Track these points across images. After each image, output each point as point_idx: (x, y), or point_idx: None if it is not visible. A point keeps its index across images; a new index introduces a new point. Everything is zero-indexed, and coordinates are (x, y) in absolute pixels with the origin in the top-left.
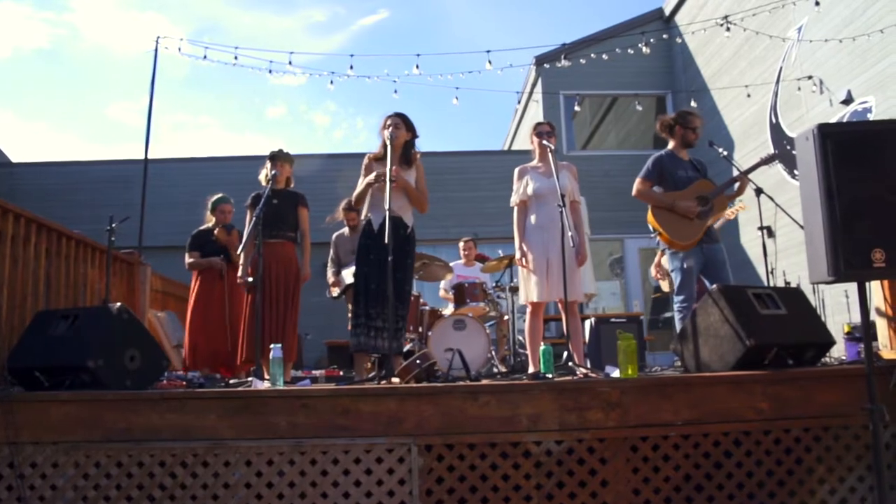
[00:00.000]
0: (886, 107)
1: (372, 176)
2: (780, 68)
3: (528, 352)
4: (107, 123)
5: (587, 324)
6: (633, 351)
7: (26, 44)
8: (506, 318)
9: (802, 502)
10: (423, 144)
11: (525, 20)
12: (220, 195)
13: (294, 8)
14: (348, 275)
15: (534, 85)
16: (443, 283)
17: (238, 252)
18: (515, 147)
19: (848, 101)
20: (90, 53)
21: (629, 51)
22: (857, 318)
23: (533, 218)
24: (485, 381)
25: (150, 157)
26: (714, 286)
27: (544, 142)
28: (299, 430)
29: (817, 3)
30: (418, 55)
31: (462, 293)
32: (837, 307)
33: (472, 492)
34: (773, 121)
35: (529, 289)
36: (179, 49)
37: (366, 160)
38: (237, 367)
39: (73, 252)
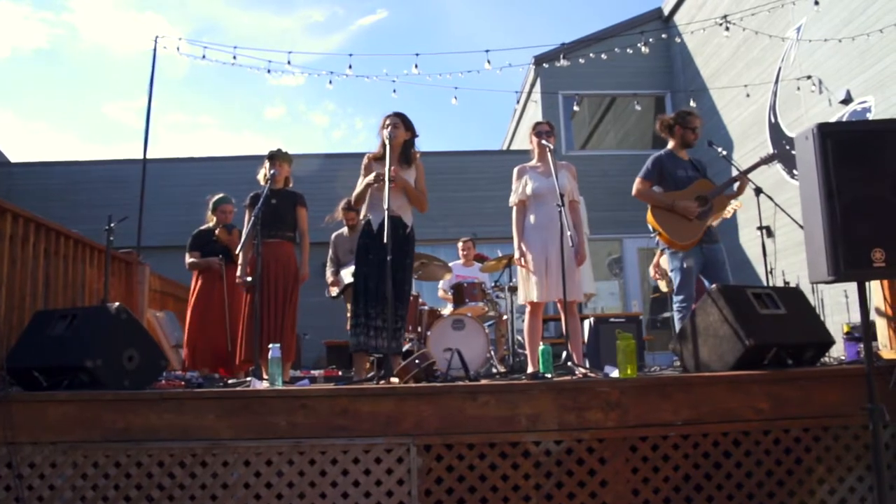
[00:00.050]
0: (886, 106)
1: (371, 176)
2: (779, 68)
3: (527, 352)
4: (106, 123)
5: (586, 324)
6: (633, 351)
7: (25, 44)
8: (505, 317)
9: (802, 502)
10: (421, 144)
11: (524, 20)
12: (221, 195)
13: (293, 8)
14: (347, 274)
15: (533, 85)
16: (441, 283)
17: (237, 252)
18: (514, 147)
19: (847, 100)
20: (89, 53)
21: (628, 50)
22: (856, 317)
23: (532, 218)
24: (484, 381)
25: (148, 156)
26: (713, 286)
27: (543, 141)
28: (298, 430)
29: (816, 3)
30: (417, 55)
31: (461, 293)
32: (837, 307)
33: (470, 492)
34: (772, 121)
35: (528, 289)
36: (178, 49)
37: (365, 160)
38: (236, 367)
39: (71, 252)
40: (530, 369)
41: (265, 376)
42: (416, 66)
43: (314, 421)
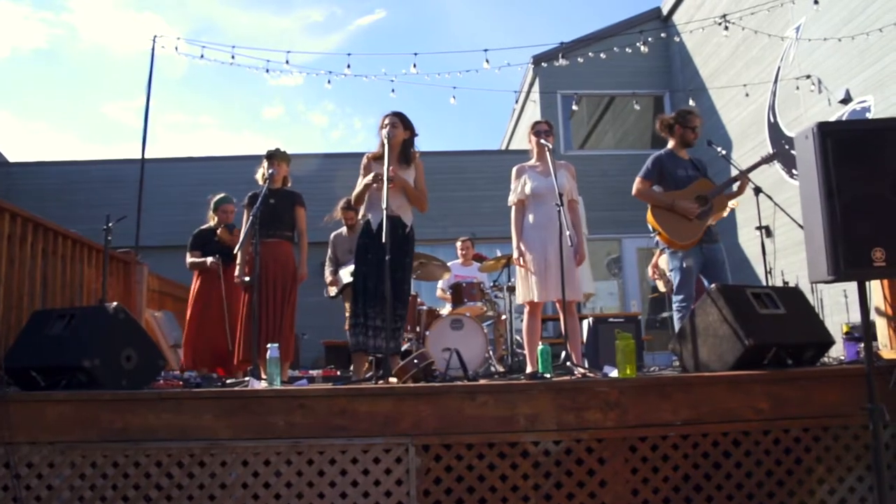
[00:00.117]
0: (885, 106)
1: (370, 176)
2: (779, 67)
3: (526, 351)
4: (106, 123)
5: (585, 324)
6: (632, 351)
7: (25, 44)
8: (503, 317)
9: (802, 502)
10: (420, 144)
11: (523, 20)
12: (222, 195)
13: (291, 8)
14: (346, 274)
15: (531, 84)
16: (440, 283)
17: (235, 251)
18: (513, 146)
19: (846, 100)
20: (88, 53)
21: (627, 50)
22: (855, 317)
23: (531, 217)
24: (482, 381)
25: (147, 156)
26: (713, 285)
27: (542, 141)
28: (296, 430)
29: (816, 2)
30: (415, 54)
31: (459, 293)
32: (836, 307)
33: (469, 492)
34: (772, 120)
35: (527, 288)
36: (176, 48)
37: (364, 160)
38: (234, 366)
39: (69, 252)
40: (529, 369)
41: (263, 376)
42: (414, 66)
43: (312, 421)
